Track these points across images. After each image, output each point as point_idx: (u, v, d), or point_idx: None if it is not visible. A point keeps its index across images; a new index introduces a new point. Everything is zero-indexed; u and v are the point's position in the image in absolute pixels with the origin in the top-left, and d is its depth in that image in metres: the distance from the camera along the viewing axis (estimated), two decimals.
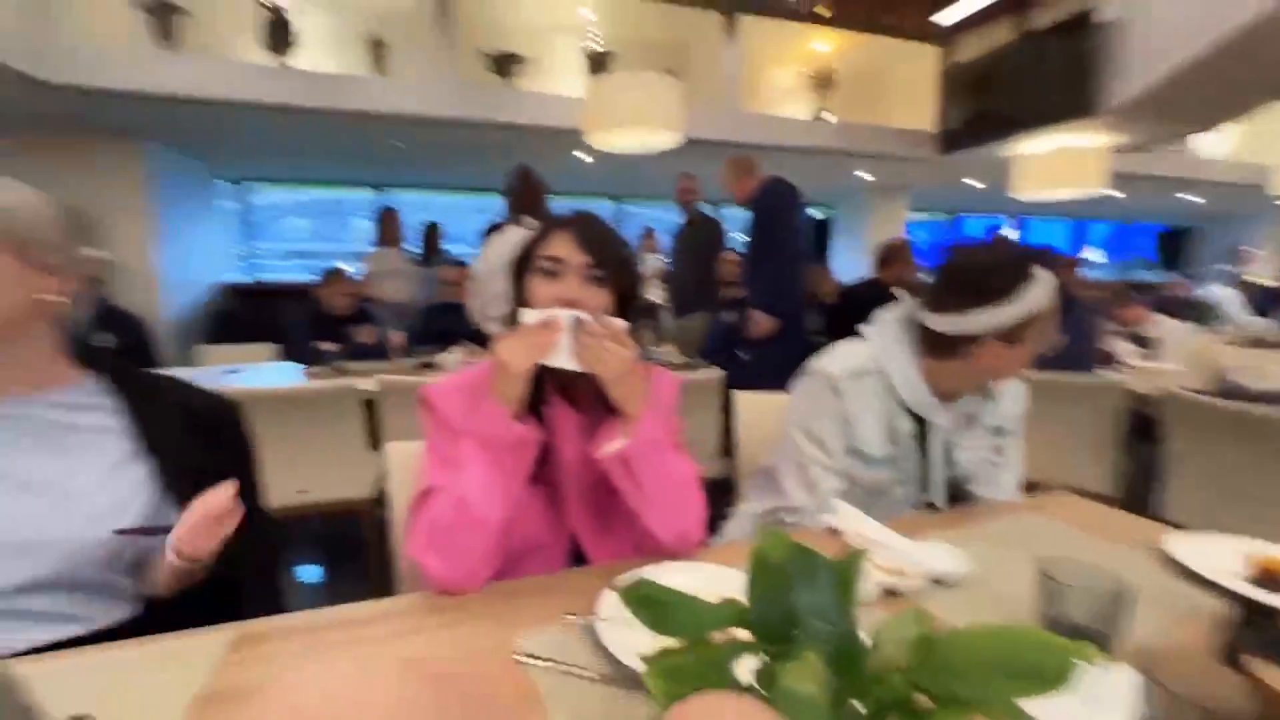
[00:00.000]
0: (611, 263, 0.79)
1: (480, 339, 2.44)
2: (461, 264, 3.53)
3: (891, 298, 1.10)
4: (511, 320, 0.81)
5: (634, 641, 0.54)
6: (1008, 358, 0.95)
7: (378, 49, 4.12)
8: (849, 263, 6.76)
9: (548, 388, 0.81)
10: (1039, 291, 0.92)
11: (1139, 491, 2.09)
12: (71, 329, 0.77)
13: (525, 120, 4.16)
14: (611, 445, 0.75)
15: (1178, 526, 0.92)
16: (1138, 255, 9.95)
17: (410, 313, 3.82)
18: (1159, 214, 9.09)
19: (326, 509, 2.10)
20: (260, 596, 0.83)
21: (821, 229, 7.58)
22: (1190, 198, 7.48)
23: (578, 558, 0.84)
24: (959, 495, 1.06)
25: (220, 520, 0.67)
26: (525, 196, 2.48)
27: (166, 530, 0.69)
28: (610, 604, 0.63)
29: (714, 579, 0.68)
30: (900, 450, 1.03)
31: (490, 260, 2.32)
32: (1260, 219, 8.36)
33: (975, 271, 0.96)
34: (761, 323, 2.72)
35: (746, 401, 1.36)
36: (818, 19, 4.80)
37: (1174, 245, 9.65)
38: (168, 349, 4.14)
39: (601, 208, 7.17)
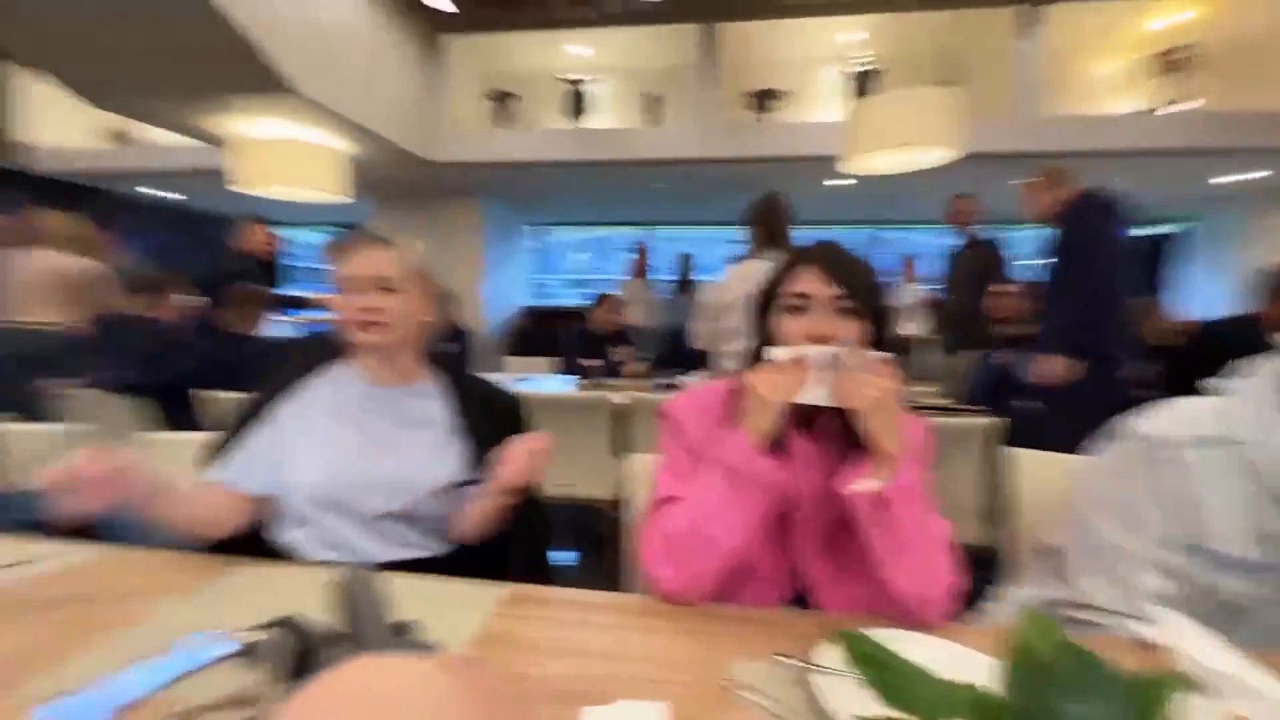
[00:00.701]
0: (861, 292, 0.75)
1: (704, 363, 2.52)
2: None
3: (1267, 344, 0.78)
4: (756, 357, 0.82)
5: (850, 700, 0.49)
6: None
7: (653, 104, 4.65)
8: (1203, 295, 5.12)
9: (790, 420, 0.79)
10: None
11: None
12: (428, 341, 1.07)
13: (778, 152, 4.22)
14: (865, 483, 0.70)
15: None
16: None
17: (655, 337, 4.16)
18: None
19: (575, 502, 2.40)
20: (528, 564, 1.00)
21: (1156, 252, 5.90)
22: None
23: (797, 595, 0.80)
24: None
25: (536, 455, 0.90)
26: (770, 227, 2.46)
27: (475, 483, 0.93)
28: (831, 655, 0.58)
29: (955, 659, 0.57)
30: (1273, 557, 0.72)
31: (728, 292, 2.37)
32: None
33: None
34: (1053, 366, 2.20)
35: (1028, 460, 1.12)
36: None
37: None
38: (483, 359, 5.26)
39: (854, 235, 6.79)
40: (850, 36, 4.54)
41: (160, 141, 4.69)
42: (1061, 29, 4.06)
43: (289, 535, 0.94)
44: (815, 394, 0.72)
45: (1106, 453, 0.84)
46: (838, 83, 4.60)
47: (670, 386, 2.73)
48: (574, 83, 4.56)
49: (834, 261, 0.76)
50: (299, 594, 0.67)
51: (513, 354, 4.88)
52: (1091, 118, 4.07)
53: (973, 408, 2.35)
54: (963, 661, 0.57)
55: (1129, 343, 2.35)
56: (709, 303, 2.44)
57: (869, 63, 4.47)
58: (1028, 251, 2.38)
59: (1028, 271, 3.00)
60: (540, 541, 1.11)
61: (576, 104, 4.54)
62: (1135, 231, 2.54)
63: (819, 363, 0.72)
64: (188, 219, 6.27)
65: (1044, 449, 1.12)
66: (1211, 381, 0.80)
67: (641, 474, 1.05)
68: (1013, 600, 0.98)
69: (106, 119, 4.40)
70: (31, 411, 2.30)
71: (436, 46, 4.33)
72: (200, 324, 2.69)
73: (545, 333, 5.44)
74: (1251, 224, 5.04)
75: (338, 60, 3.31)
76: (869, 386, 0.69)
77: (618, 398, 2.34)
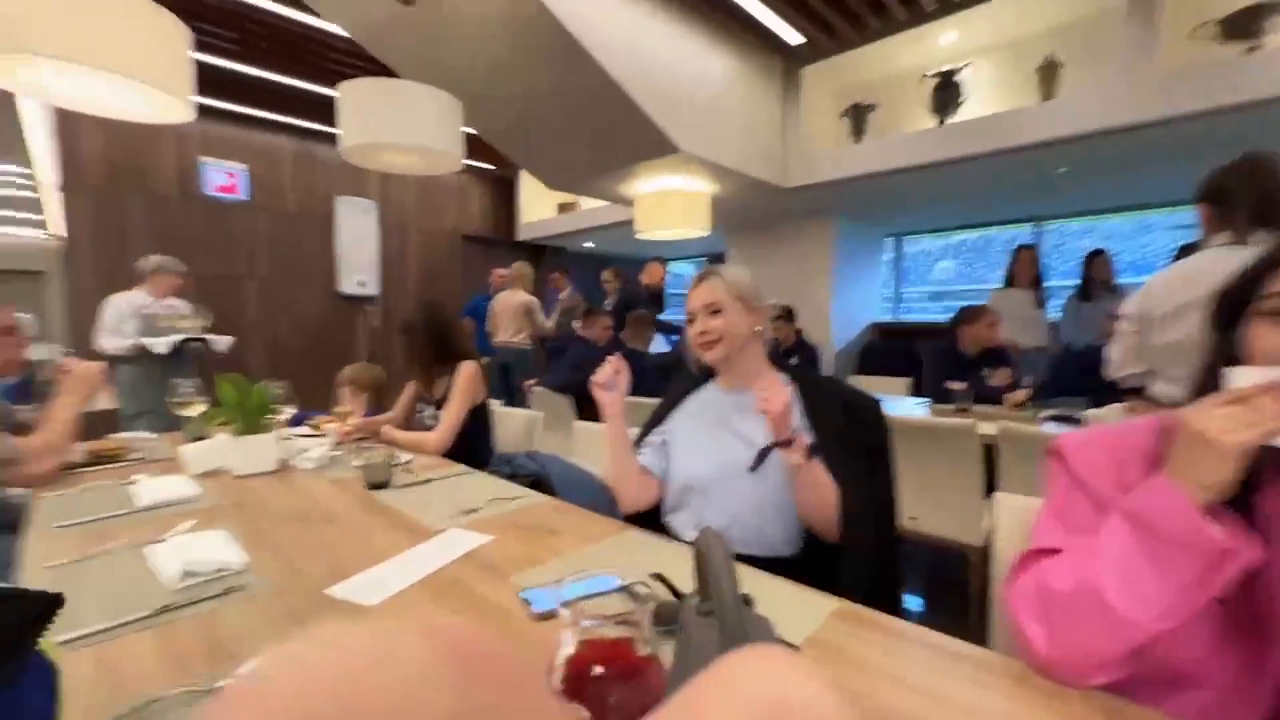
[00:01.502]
0: None
1: (1118, 394, 1.89)
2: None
3: None
4: (1208, 383, 0.62)
5: None
6: None
7: (1049, 72, 3.82)
8: None
9: (1264, 470, 0.57)
10: None
11: None
12: (770, 348, 1.22)
13: (1264, 94, 2.91)
14: None
15: None
16: None
17: (1043, 357, 3.37)
18: None
19: (933, 541, 2.14)
20: (864, 577, 0.99)
21: None
22: None
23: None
24: None
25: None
26: (1243, 202, 1.69)
27: (786, 444, 1.00)
28: None
29: None
30: None
31: (1171, 296, 1.73)
32: None
33: None
34: None
35: None
36: None
37: None
38: (833, 374, 5.21)
39: None
40: None
41: (586, 207, 6.37)
42: None
43: (672, 516, 1.18)
44: None
45: None
46: None
47: (1064, 420, 2.19)
48: (943, 75, 4.11)
49: None
50: (671, 561, 0.86)
51: (863, 373, 4.68)
52: None
53: None
54: None
55: None
56: (1137, 312, 1.81)
57: None
58: None
59: None
60: (880, 546, 1.10)
61: (947, 97, 4.08)
62: None
63: None
64: (609, 262, 8.21)
65: None
66: None
67: (1015, 516, 0.90)
68: None
69: (557, 196, 6.35)
70: (513, 402, 3.44)
71: (793, 77, 4.55)
72: (613, 342, 3.52)
73: (901, 351, 5.02)
74: None
75: (707, 114, 3.83)
76: None
77: (987, 427, 2.01)
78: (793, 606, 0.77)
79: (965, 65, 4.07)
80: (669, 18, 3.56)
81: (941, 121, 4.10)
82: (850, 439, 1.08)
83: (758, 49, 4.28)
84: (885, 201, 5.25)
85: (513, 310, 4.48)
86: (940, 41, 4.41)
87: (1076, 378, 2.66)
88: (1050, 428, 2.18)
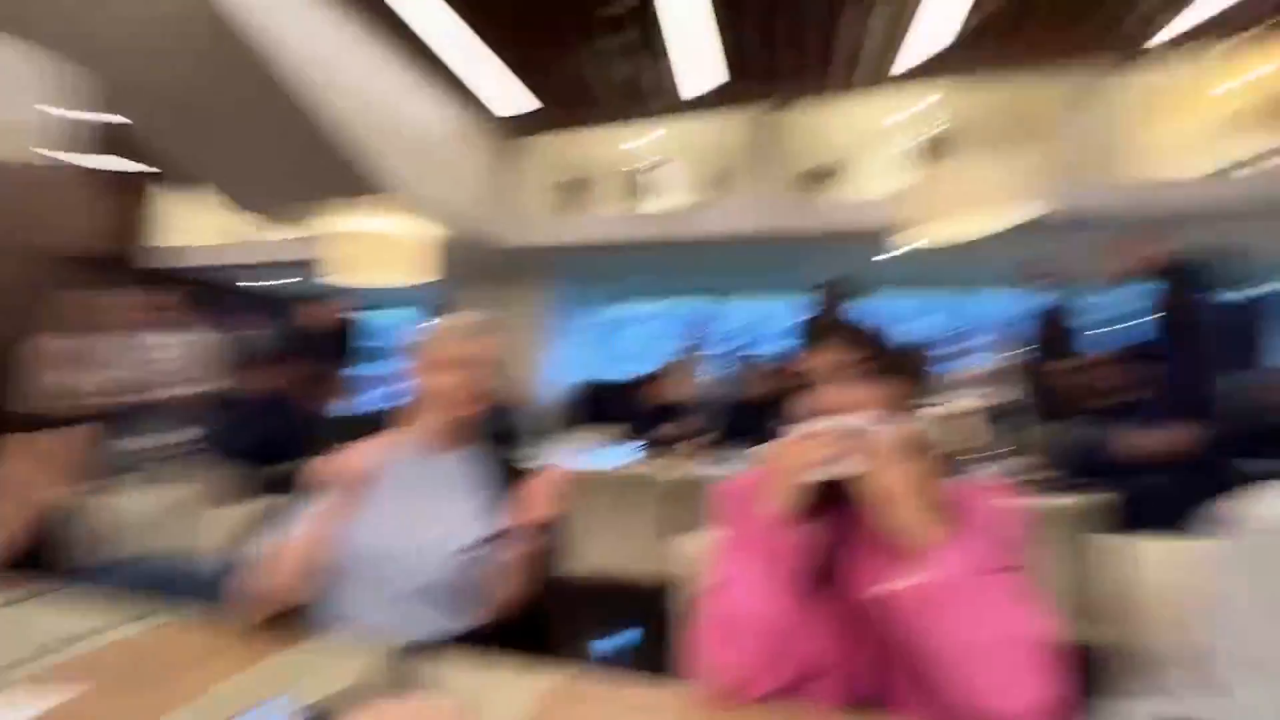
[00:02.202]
0: (883, 362, 0.74)
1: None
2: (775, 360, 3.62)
3: None
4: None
5: None
6: None
7: (715, 183, 4.86)
8: None
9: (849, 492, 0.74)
10: None
11: None
12: (483, 411, 1.09)
13: (841, 225, 4.25)
14: (893, 584, 0.64)
15: None
16: None
17: (718, 409, 4.11)
18: None
19: (623, 583, 2.30)
20: (564, 646, 0.96)
21: (1250, 316, 5.31)
22: None
23: (872, 698, 0.71)
24: None
25: (558, 485, 0.95)
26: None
27: (501, 538, 0.93)
28: None
29: None
30: None
31: None
32: None
33: None
34: (1167, 439, 1.98)
35: (1147, 549, 0.99)
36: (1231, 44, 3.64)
37: None
38: (545, 430, 5.35)
39: (906, 304, 6.56)
40: (918, 105, 4.61)
41: (254, 239, 5.36)
42: (1132, 93, 3.96)
43: (331, 602, 0.96)
44: (837, 469, 0.69)
45: (1248, 546, 0.73)
46: (896, 157, 4.65)
47: (728, 459, 2.66)
48: (640, 169, 4.87)
49: (854, 331, 0.77)
50: (341, 670, 0.69)
51: (577, 425, 4.94)
52: (1176, 182, 3.84)
53: (1063, 483, 2.12)
54: None
55: (1241, 410, 2.10)
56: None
57: (940, 126, 4.50)
58: (1106, 316, 2.22)
59: (1107, 338, 2.78)
60: (577, 618, 1.09)
61: (640, 188, 4.82)
62: (1239, 294, 2.34)
63: (831, 437, 0.69)
64: (283, 304, 6.98)
65: (1153, 528, 0.99)
66: None
67: (693, 555, 1.01)
68: (1131, 715, 0.83)
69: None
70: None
71: (515, 144, 4.77)
72: (273, 397, 2.81)
73: (610, 404, 5.50)
74: None
75: (424, 160, 3.70)
76: (884, 470, 0.66)
77: (670, 474, 2.30)
78: (501, 691, 0.70)
79: (665, 162, 4.89)
80: (384, 55, 3.38)
81: (640, 207, 4.80)
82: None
83: (480, 107, 4.38)
84: (593, 270, 5.81)
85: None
86: (635, 140, 5.21)
87: (740, 427, 3.29)
88: (719, 467, 2.62)
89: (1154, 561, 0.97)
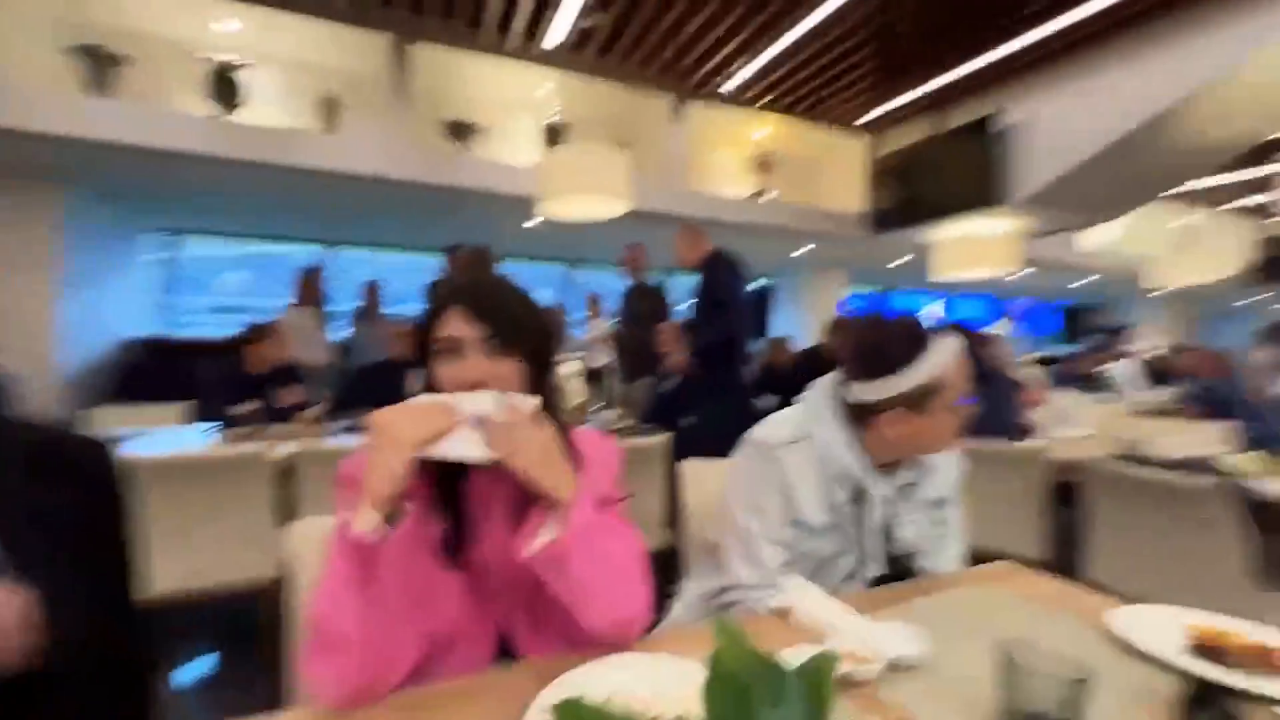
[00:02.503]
0: (513, 329, 0.72)
1: None
2: (407, 320, 3.36)
3: (833, 367, 1.09)
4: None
5: None
6: (923, 427, 0.95)
7: (330, 107, 4.12)
8: (791, 333, 7.04)
9: (463, 472, 0.72)
10: (937, 361, 0.94)
11: (1065, 554, 2.15)
12: None
13: (479, 185, 4.22)
14: (538, 541, 0.67)
15: (1104, 589, 0.92)
16: (1047, 331, 10.87)
17: (330, 375, 3.65)
18: (1062, 294, 10.05)
19: (226, 591, 1.86)
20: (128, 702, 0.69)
21: (763, 300, 7.91)
22: (1081, 281, 8.35)
23: (507, 650, 0.75)
24: (905, 569, 1.04)
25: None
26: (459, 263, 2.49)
27: None
28: (541, 716, 0.55)
29: (660, 674, 0.61)
30: (839, 520, 1.00)
31: None
32: (1139, 302, 9.41)
33: (876, 342, 0.97)
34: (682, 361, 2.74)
35: (693, 470, 1.32)
36: (757, 106, 5.20)
37: (1076, 321, 10.62)
38: (62, 406, 3.73)
39: (549, 272, 7.24)
40: (540, 88, 4.89)
41: None
42: (697, 121, 5.16)
43: None
44: (464, 449, 0.64)
45: (739, 457, 1.06)
46: (534, 130, 4.88)
47: (357, 430, 2.39)
48: (224, 64, 3.71)
49: (481, 299, 0.72)
50: None
51: (119, 399, 3.62)
52: (718, 196, 5.24)
53: (648, 427, 2.70)
54: (667, 674, 0.61)
55: (763, 369, 3.13)
56: None
57: (557, 115, 4.87)
58: (683, 296, 2.97)
59: (683, 312, 3.67)
60: (141, 665, 0.79)
61: (224, 90, 3.69)
62: (751, 285, 3.39)
63: (467, 414, 0.65)
64: None
65: (703, 455, 1.35)
66: (797, 396, 1.10)
67: (313, 545, 0.86)
68: (688, 595, 1.13)
69: None
70: None
71: None
72: None
73: (173, 372, 4.17)
74: (813, 281, 7.22)
75: None
76: (521, 442, 0.66)
77: (280, 450, 1.92)
78: None
79: (247, 64, 3.84)
80: None
81: (224, 112, 3.70)
82: (49, 516, 0.65)
83: None
84: (149, 185, 4.26)
85: None
86: (221, 26, 3.99)
87: (366, 392, 2.97)
88: (346, 439, 2.32)
89: (700, 480, 1.31)
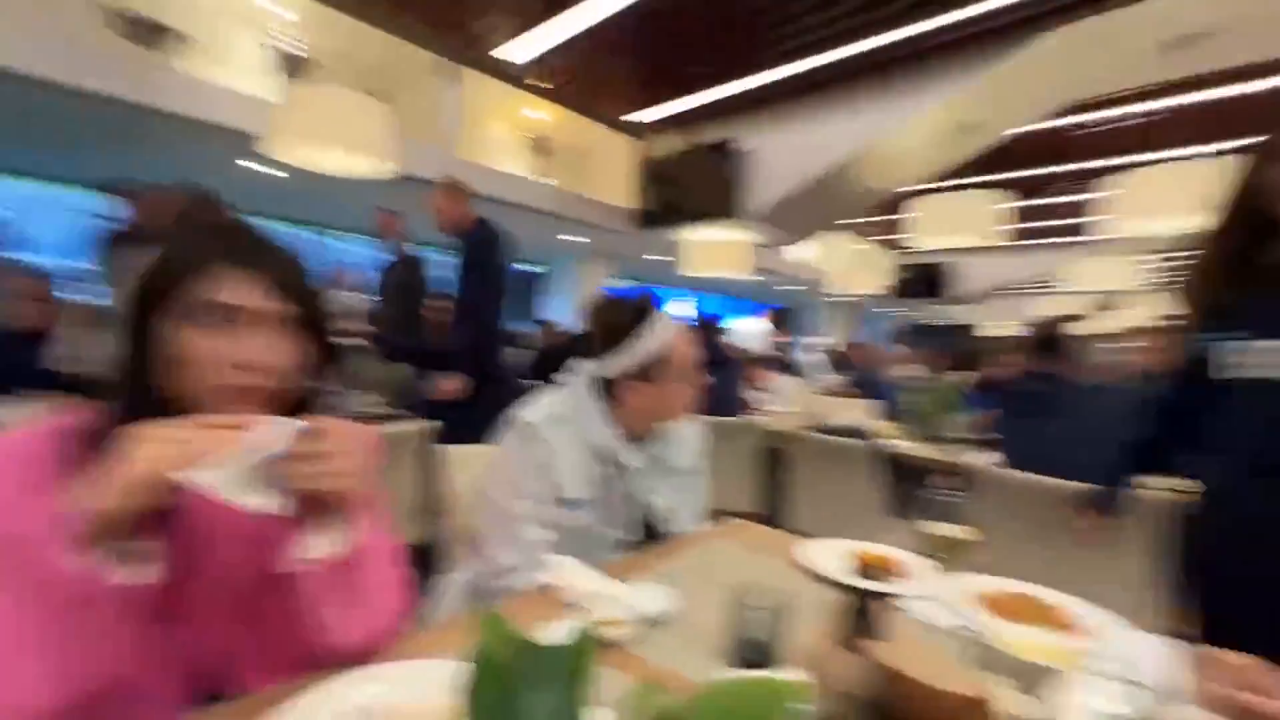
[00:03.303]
0: (308, 301, 0.60)
1: (68, 386, 1.74)
2: (41, 274, 2.43)
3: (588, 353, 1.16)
4: (136, 391, 0.55)
5: None
6: (656, 396, 1.06)
7: None
8: (561, 317, 7.20)
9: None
10: (661, 335, 1.05)
11: (776, 508, 2.66)
12: None
13: (172, 106, 3.31)
14: (314, 549, 0.56)
15: (804, 534, 1.16)
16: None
17: None
18: (772, 296, 12.30)
19: None
20: None
21: (530, 283, 7.94)
22: (783, 286, 10.38)
23: (208, 692, 0.59)
24: (659, 533, 1.15)
25: None
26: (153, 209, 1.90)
27: None
28: None
29: (416, 679, 0.57)
30: (599, 492, 1.06)
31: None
32: (820, 304, 12.13)
33: (609, 320, 1.08)
34: (449, 385, 2.46)
35: (455, 456, 1.26)
36: (536, 89, 5.12)
37: (782, 319, 13.10)
38: None
39: (280, 231, 6.11)
40: (275, 8, 4.03)
41: None
42: (472, 88, 4.86)
43: None
44: (250, 492, 0.50)
45: (502, 438, 1.07)
46: (260, 55, 3.99)
47: None
48: None
49: (276, 263, 0.58)
50: None
51: None
52: (493, 170, 5.04)
53: (403, 412, 2.49)
54: (423, 679, 0.55)
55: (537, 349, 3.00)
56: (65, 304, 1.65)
57: (300, 47, 4.08)
58: (448, 272, 2.65)
59: (437, 287, 3.36)
60: None
61: None
62: (520, 266, 3.34)
63: (259, 446, 0.50)
64: None
65: (463, 440, 1.30)
66: (560, 375, 1.13)
67: None
68: (450, 584, 1.08)
69: None
70: None
71: None
72: None
73: None
74: (581, 271, 7.49)
75: None
76: (339, 471, 0.54)
77: None
78: None
79: None
80: None
81: None
82: None
83: None
84: None
85: None
86: None
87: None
88: None
89: (464, 466, 1.25)
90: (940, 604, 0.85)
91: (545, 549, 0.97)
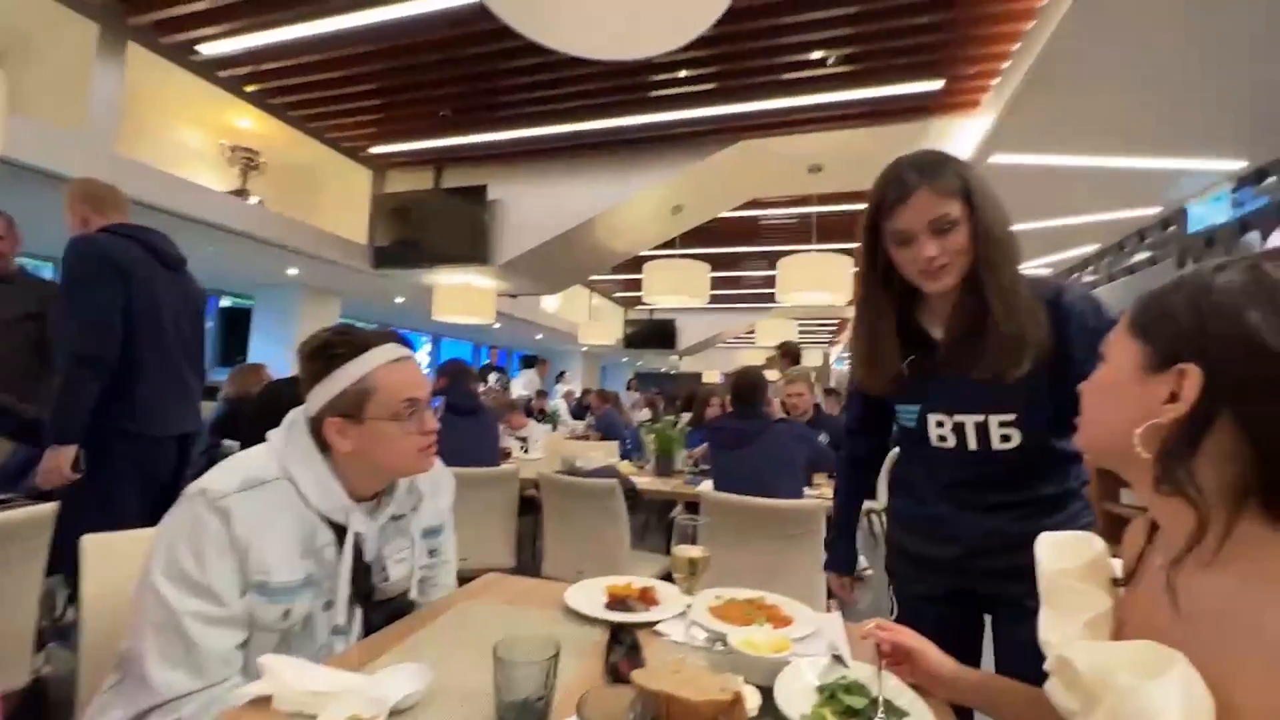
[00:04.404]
0: None
1: None
2: None
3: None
4: None
5: None
6: (370, 439, 0.89)
7: None
8: (272, 359, 6.05)
9: None
10: (367, 363, 0.90)
11: (530, 556, 2.61)
12: None
13: None
14: None
15: (566, 580, 1.15)
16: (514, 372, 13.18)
17: None
18: (522, 345, 12.46)
19: None
20: None
21: (238, 320, 6.55)
22: (538, 335, 10.66)
23: None
24: (401, 606, 1.01)
25: None
26: None
27: None
28: None
29: None
30: (320, 569, 0.87)
31: None
32: (574, 354, 12.77)
33: (317, 347, 0.93)
34: (54, 467, 1.70)
35: (95, 548, 0.93)
36: (240, 94, 4.32)
37: (531, 365, 13.34)
38: None
39: None
40: None
41: None
42: (144, 73, 3.87)
43: None
44: None
45: (169, 519, 0.82)
46: None
47: None
48: None
49: None
50: None
51: None
52: (177, 178, 4.04)
53: (13, 497, 1.74)
54: None
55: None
56: None
57: None
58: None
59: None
60: None
61: None
62: (229, 303, 2.69)
63: None
64: None
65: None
66: (272, 431, 0.92)
67: None
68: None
69: None
70: None
71: None
72: None
73: None
74: (301, 307, 6.43)
75: None
76: None
77: None
78: None
79: None
80: None
81: None
82: None
83: None
84: None
85: None
86: None
87: None
88: None
89: (107, 560, 0.93)
90: (689, 621, 0.92)
91: (240, 655, 0.78)
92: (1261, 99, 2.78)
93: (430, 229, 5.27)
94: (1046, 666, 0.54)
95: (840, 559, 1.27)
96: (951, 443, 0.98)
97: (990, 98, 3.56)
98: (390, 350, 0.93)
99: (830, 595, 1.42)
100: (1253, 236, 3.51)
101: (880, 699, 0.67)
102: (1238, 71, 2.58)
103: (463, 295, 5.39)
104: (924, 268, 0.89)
